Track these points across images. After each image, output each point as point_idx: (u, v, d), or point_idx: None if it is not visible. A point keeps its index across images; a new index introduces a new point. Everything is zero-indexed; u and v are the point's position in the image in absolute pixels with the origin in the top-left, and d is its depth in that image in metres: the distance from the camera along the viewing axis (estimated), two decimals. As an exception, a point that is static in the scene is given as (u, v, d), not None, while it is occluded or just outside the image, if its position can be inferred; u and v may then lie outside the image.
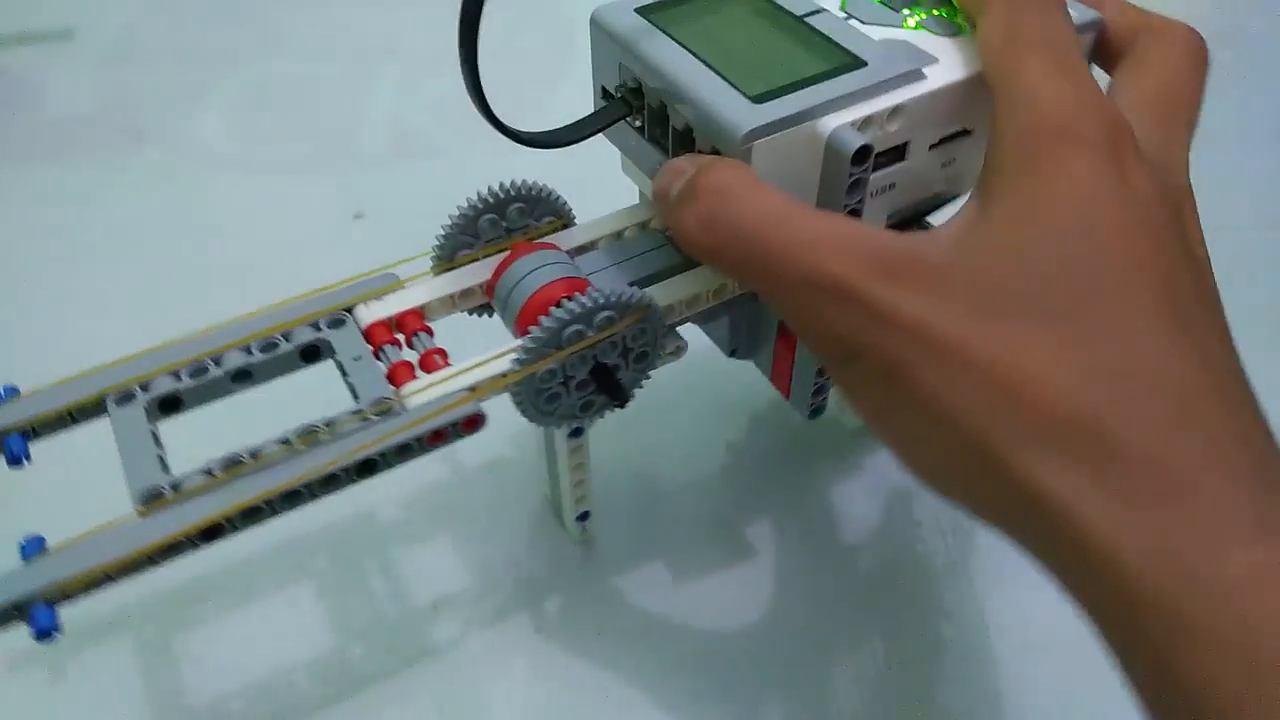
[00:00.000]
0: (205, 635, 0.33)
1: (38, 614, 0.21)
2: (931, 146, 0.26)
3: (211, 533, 0.23)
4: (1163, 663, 0.16)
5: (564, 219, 0.29)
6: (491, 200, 0.28)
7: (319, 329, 0.26)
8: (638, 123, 0.28)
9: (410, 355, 0.26)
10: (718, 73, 0.25)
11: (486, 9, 0.23)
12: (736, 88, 0.24)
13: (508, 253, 0.28)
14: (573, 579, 0.34)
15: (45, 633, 0.21)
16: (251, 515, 0.23)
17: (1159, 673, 0.17)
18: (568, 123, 0.27)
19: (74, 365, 0.41)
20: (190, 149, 0.51)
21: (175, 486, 0.23)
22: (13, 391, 0.25)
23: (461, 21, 0.23)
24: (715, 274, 0.28)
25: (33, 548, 0.22)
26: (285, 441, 0.24)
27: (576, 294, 0.25)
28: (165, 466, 0.23)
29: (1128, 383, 0.18)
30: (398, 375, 0.25)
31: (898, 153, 0.25)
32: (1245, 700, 0.15)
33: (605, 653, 0.32)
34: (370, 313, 0.27)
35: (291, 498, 0.23)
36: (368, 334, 0.26)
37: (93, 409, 0.25)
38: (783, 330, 0.31)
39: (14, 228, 0.47)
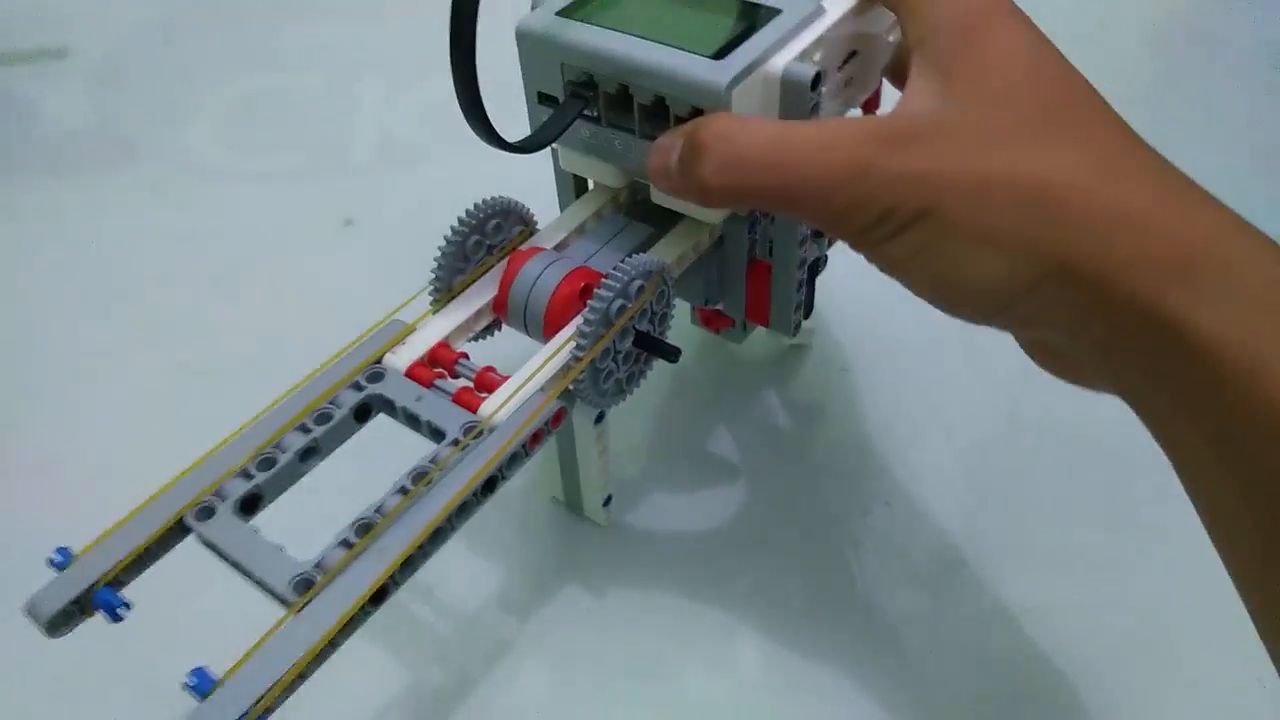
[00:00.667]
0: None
1: None
2: (838, 69, 0.29)
3: (380, 595, 0.23)
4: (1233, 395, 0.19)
5: (530, 225, 0.31)
6: (473, 222, 0.29)
7: (361, 387, 0.27)
8: (593, 113, 0.29)
9: (461, 383, 0.27)
10: (667, 45, 0.27)
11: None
12: (693, 52, 0.26)
13: (500, 268, 0.29)
14: (608, 556, 0.36)
15: None
16: (409, 564, 0.23)
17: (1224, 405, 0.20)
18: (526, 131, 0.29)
19: (73, 374, 0.43)
20: (182, 162, 0.53)
21: (320, 568, 0.23)
22: (66, 554, 0.23)
23: (453, 42, 0.24)
24: (691, 233, 0.31)
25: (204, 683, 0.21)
26: (403, 490, 0.24)
27: (611, 271, 0.27)
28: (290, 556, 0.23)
29: (1128, 173, 0.22)
30: (466, 401, 0.26)
31: (818, 79, 0.28)
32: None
33: (649, 605, 0.34)
34: (400, 359, 0.28)
35: (437, 536, 0.24)
36: (411, 376, 0.27)
37: (174, 534, 0.24)
38: (752, 269, 0.33)
39: (9, 241, 0.49)
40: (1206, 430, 0.20)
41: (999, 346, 0.27)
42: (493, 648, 0.33)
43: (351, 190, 0.51)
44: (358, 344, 0.28)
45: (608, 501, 0.35)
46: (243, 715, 0.20)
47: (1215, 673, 0.33)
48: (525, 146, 0.28)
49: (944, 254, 0.22)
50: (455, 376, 0.28)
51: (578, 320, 0.27)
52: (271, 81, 0.58)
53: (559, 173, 0.33)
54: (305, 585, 0.22)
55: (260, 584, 0.23)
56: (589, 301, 0.27)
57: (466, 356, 0.28)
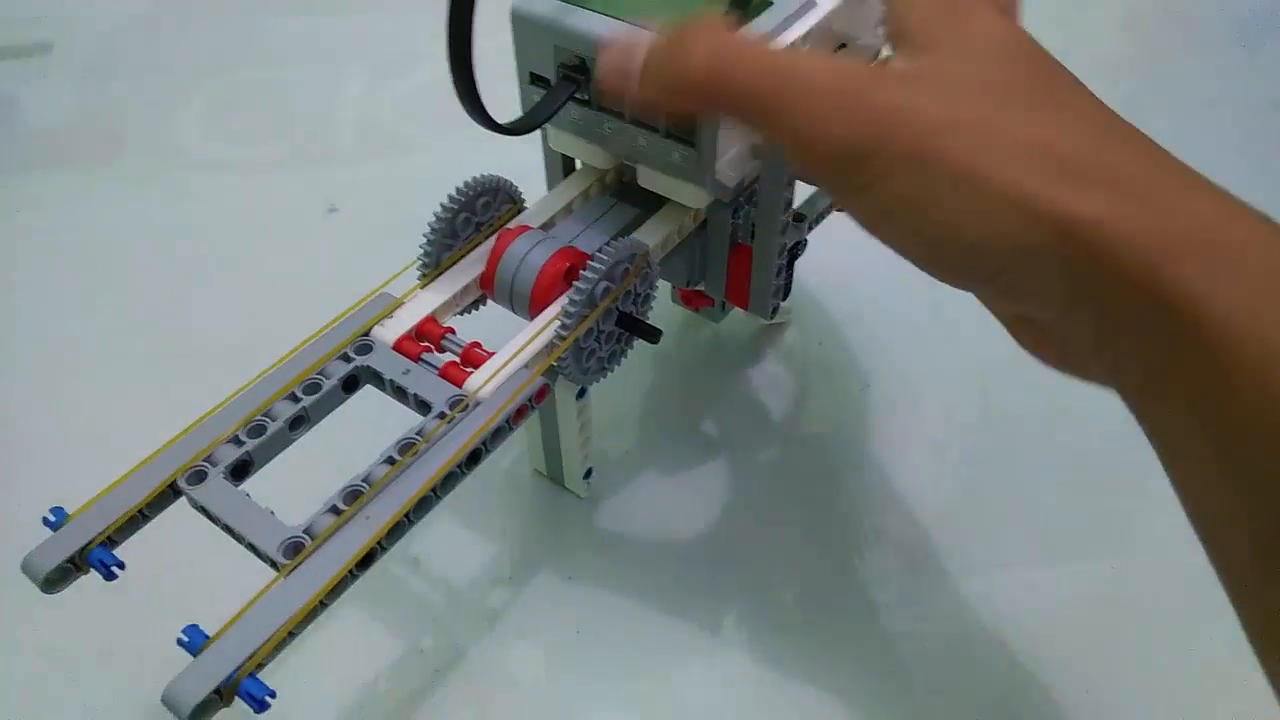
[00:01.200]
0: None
1: (249, 687, 0.21)
2: None
3: (367, 560, 0.23)
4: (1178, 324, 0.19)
5: (518, 203, 0.32)
6: (463, 200, 0.30)
7: (350, 359, 0.28)
8: (584, 96, 0.30)
9: (446, 357, 0.28)
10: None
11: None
12: None
13: (488, 245, 0.30)
14: (585, 528, 0.37)
15: (262, 705, 0.21)
16: (395, 531, 0.24)
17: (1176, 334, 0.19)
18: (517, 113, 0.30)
19: (59, 363, 0.44)
20: (168, 154, 0.54)
21: (309, 533, 0.23)
22: (61, 514, 0.24)
23: (450, 23, 0.25)
24: (676, 216, 0.32)
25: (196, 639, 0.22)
26: (390, 460, 0.25)
27: (596, 253, 0.28)
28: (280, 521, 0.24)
29: (1123, 147, 0.21)
30: (452, 375, 0.27)
31: None
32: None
33: (632, 576, 0.35)
34: (389, 332, 0.28)
35: (423, 505, 0.25)
36: (399, 349, 0.28)
37: (166, 497, 0.25)
38: (734, 252, 0.34)
39: None
40: (1208, 426, 0.19)
41: (978, 326, 0.28)
42: (482, 616, 0.34)
43: (335, 179, 0.51)
44: (346, 316, 0.29)
45: (588, 474, 0.36)
46: (234, 670, 0.21)
47: (1203, 662, 0.33)
48: (517, 128, 0.28)
49: (936, 203, 0.21)
50: (442, 351, 0.29)
51: (563, 300, 0.28)
52: (255, 74, 0.59)
53: (548, 152, 0.34)
54: (295, 549, 0.23)
55: (251, 547, 0.24)
56: (575, 283, 0.28)
57: (453, 331, 0.29)
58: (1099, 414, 0.40)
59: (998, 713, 0.32)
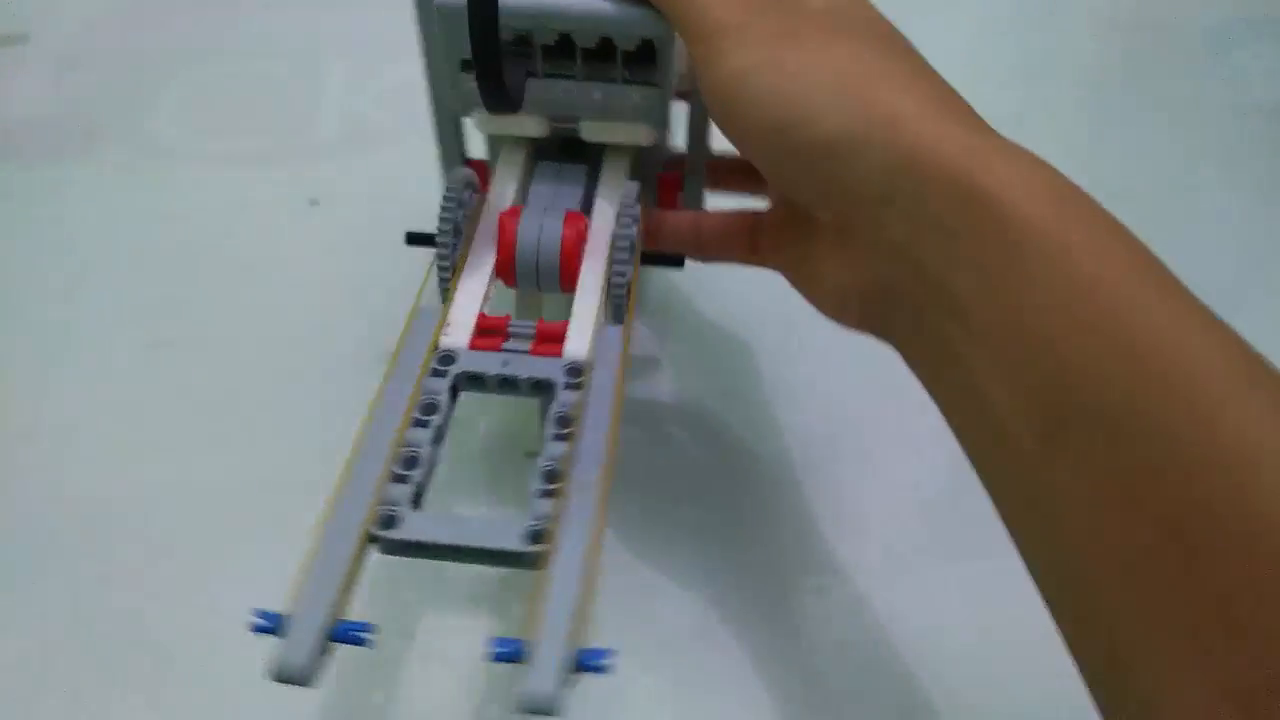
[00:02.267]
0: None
1: (587, 659, 0.21)
2: None
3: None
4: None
5: (479, 190, 0.32)
6: (461, 198, 0.30)
7: (443, 373, 0.27)
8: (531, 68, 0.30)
9: (521, 342, 0.28)
10: None
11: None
12: None
13: (489, 234, 0.30)
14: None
15: (601, 669, 0.21)
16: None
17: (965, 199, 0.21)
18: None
19: (42, 354, 0.44)
20: (147, 145, 0.53)
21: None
22: (273, 617, 0.22)
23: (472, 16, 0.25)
24: (621, 156, 0.33)
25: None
26: (562, 436, 0.25)
27: (625, 205, 0.29)
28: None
29: (922, 70, 0.25)
30: (547, 351, 0.27)
31: None
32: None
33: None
34: (458, 339, 0.28)
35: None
36: (476, 349, 0.28)
37: (364, 551, 0.24)
38: (663, 179, 0.35)
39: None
40: (1004, 309, 0.20)
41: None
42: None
43: (316, 172, 0.51)
44: (404, 339, 0.28)
45: None
46: (572, 655, 0.20)
47: None
48: (516, 104, 0.29)
49: (785, 83, 0.24)
50: (510, 338, 0.28)
51: (596, 256, 0.30)
52: (235, 66, 0.59)
53: (446, 139, 0.34)
54: (537, 535, 0.23)
55: (484, 553, 0.23)
56: (619, 232, 0.29)
57: (509, 317, 0.29)
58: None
59: (979, 699, 0.33)
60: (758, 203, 0.34)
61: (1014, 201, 0.20)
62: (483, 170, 0.35)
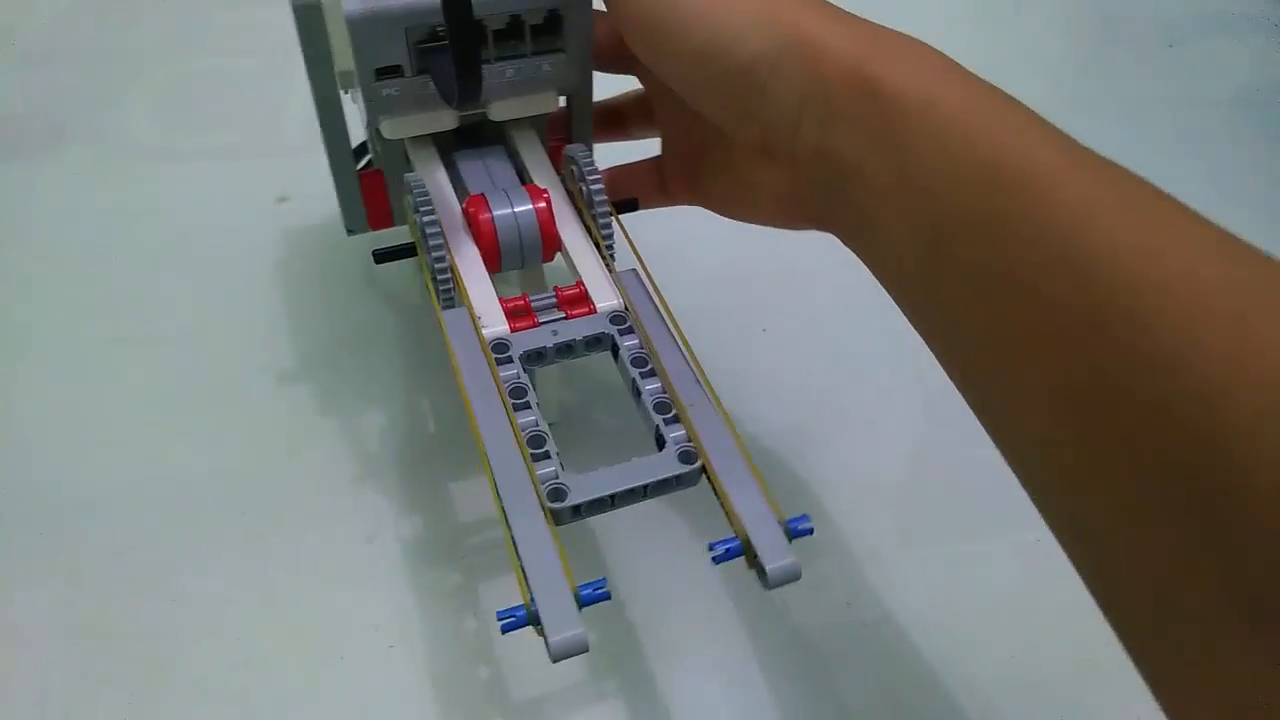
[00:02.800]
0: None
1: (795, 524, 0.25)
2: None
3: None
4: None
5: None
6: (429, 201, 0.30)
7: (509, 361, 0.28)
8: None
9: (552, 311, 0.30)
10: None
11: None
12: None
13: (456, 228, 0.31)
14: None
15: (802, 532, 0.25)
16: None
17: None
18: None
19: (14, 352, 0.44)
20: (115, 142, 0.53)
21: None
22: (518, 611, 0.23)
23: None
24: (531, 126, 0.35)
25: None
26: (647, 373, 0.28)
27: (585, 166, 0.31)
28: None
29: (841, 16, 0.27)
30: (582, 311, 0.30)
31: None
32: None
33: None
34: (497, 329, 0.29)
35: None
36: (518, 329, 0.29)
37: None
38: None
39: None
40: (897, 173, 0.24)
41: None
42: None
43: (285, 168, 0.51)
44: (454, 345, 0.28)
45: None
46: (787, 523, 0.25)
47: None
48: (478, 94, 0.29)
49: (709, 4, 0.26)
50: (538, 311, 0.30)
51: (568, 219, 0.32)
52: (204, 63, 0.59)
53: (335, 149, 0.35)
54: (689, 455, 0.26)
55: (657, 486, 0.26)
56: (592, 187, 0.31)
57: (527, 297, 0.30)
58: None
59: (944, 685, 0.34)
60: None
61: (897, 82, 0.24)
62: (379, 178, 0.36)
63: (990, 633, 0.35)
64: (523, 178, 0.34)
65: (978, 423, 0.26)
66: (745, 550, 0.24)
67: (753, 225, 0.32)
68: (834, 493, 0.39)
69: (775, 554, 0.24)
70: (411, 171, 0.33)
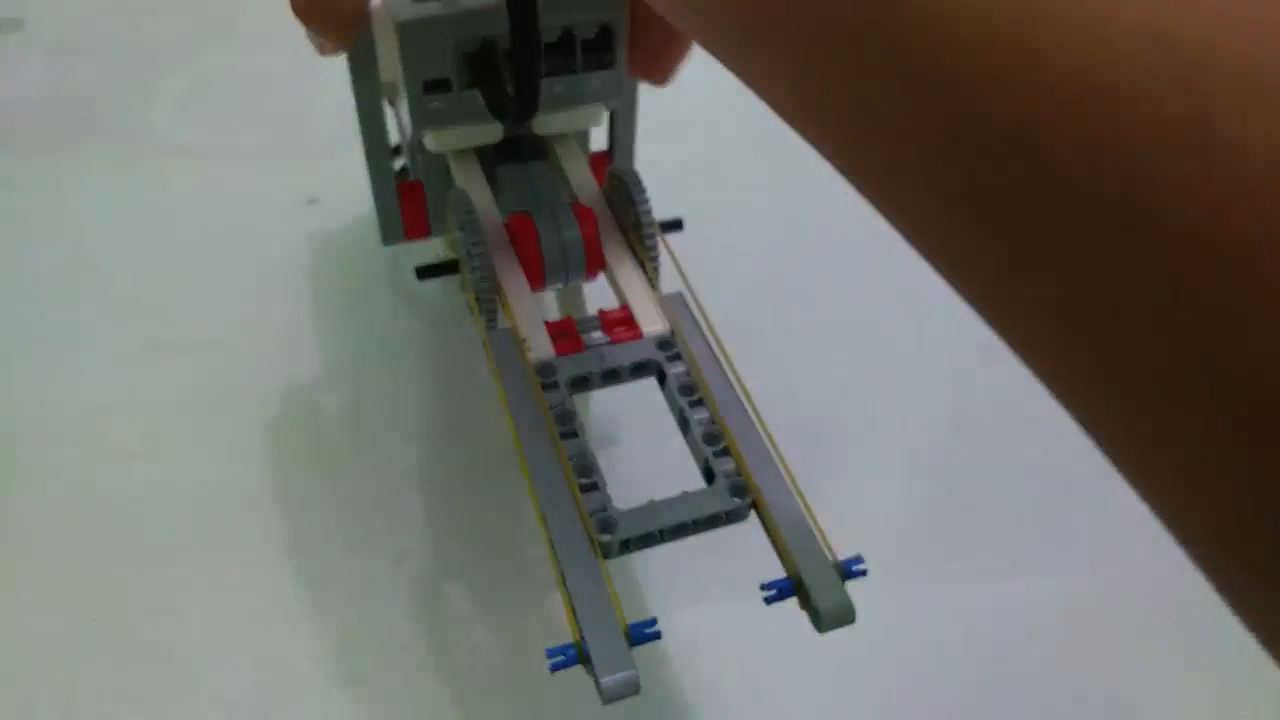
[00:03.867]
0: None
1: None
2: None
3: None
4: None
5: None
6: (477, 220, 0.30)
7: (555, 385, 0.27)
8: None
9: (597, 335, 0.29)
10: None
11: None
12: None
13: (499, 246, 0.30)
14: None
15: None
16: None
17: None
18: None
19: (43, 352, 0.43)
20: (141, 138, 0.53)
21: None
22: (567, 649, 0.22)
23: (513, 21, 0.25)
24: (573, 141, 0.34)
25: None
26: (695, 402, 0.27)
27: (635, 188, 0.30)
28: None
29: None
30: (628, 336, 0.28)
31: None
32: None
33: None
34: (544, 351, 0.28)
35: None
36: (564, 353, 0.28)
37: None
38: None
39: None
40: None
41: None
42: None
43: (315, 169, 0.51)
44: (500, 368, 0.28)
45: None
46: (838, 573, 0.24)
47: (1165, 674, 0.34)
48: (532, 115, 0.29)
49: None
50: (584, 333, 0.29)
51: (611, 237, 0.31)
52: (233, 60, 0.58)
53: (377, 164, 0.34)
54: (738, 489, 0.25)
55: (707, 521, 0.25)
56: (641, 209, 0.30)
57: (572, 319, 0.29)
58: (1068, 426, 0.40)
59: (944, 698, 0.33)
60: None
61: None
62: (418, 188, 0.35)
63: (1020, 670, 0.34)
64: (566, 193, 0.33)
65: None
66: (797, 590, 0.24)
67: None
68: (861, 517, 0.38)
69: (829, 596, 0.23)
70: (453, 185, 0.32)
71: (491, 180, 0.33)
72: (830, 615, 0.23)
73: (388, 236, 0.36)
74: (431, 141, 0.32)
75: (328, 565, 0.36)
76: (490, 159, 0.34)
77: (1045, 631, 0.35)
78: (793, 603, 0.24)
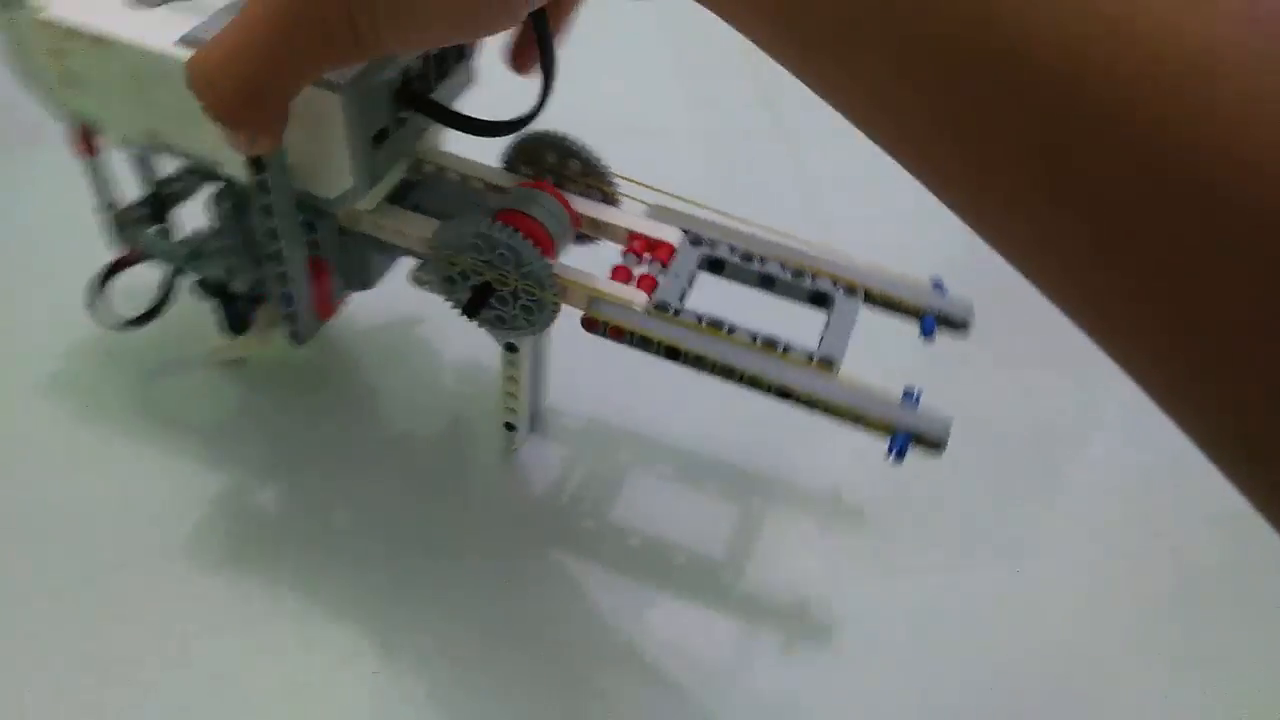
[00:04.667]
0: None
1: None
2: None
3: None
4: None
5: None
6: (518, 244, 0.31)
7: (677, 311, 0.30)
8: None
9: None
10: None
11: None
12: None
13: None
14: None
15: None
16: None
17: None
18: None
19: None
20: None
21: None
22: None
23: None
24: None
25: None
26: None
27: (559, 140, 0.33)
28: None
29: None
30: (660, 250, 0.32)
31: None
32: None
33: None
34: (640, 301, 0.31)
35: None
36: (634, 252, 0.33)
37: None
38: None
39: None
40: None
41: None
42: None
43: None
44: (652, 329, 0.30)
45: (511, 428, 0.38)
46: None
47: (1099, 659, 0.35)
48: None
49: None
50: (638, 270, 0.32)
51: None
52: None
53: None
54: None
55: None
56: (592, 157, 0.33)
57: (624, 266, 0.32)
58: (1011, 425, 0.42)
59: (917, 709, 0.34)
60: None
61: None
62: (323, 264, 0.34)
63: (968, 657, 0.35)
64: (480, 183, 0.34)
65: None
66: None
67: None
68: (813, 511, 0.38)
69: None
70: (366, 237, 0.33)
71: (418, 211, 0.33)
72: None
73: (309, 334, 0.36)
74: (368, 200, 0.32)
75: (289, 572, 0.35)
76: (399, 197, 0.34)
77: (985, 616, 0.36)
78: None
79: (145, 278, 0.38)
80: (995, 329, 0.45)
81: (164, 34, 0.29)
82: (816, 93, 0.20)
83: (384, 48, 0.24)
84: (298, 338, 0.36)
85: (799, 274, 0.31)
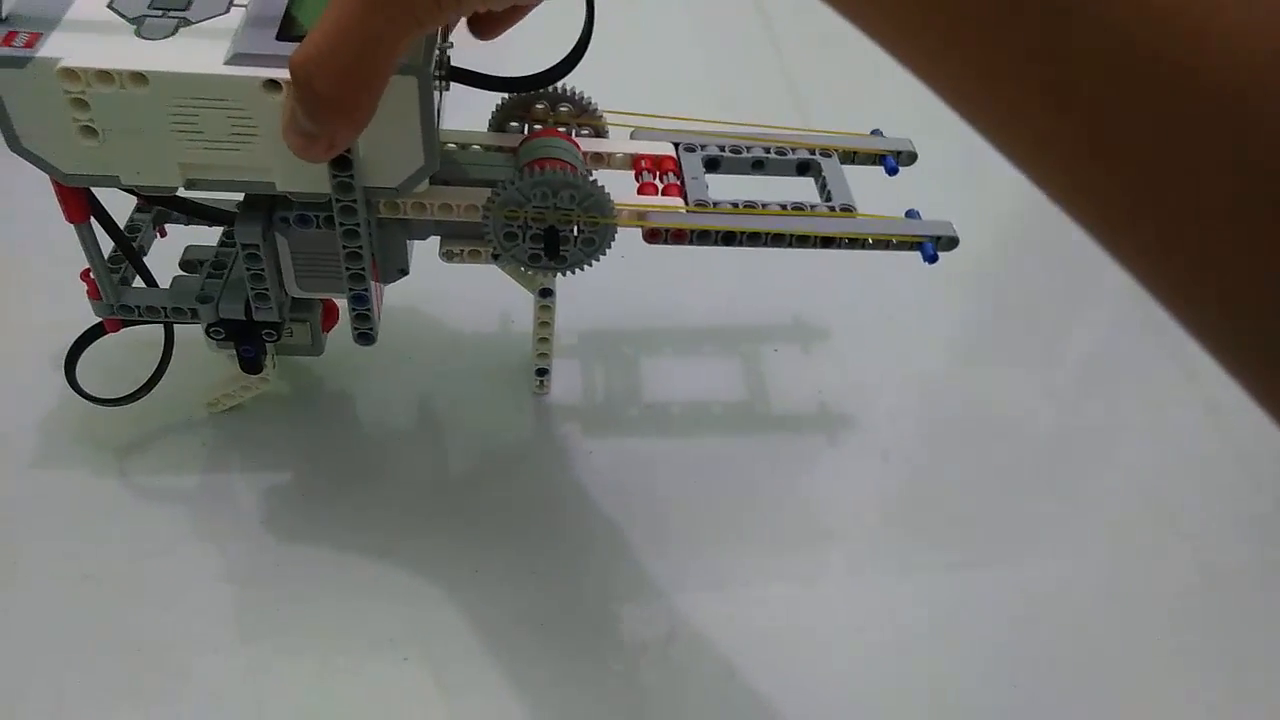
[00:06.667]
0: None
1: None
2: None
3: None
4: None
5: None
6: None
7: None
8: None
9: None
10: None
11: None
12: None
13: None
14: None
15: None
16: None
17: None
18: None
19: None
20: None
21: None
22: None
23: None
24: None
25: None
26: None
27: (585, 102, 0.36)
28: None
29: None
30: (666, 165, 0.36)
31: None
32: None
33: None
34: (679, 203, 0.35)
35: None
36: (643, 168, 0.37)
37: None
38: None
39: None
40: None
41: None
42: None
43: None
44: (717, 222, 0.34)
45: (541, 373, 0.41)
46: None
47: (1123, 661, 0.36)
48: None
49: None
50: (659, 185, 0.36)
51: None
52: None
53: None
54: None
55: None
56: (585, 97, 0.36)
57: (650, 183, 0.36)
58: (1034, 425, 0.42)
59: (932, 707, 0.34)
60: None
61: None
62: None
63: (987, 656, 0.36)
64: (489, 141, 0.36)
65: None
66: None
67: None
68: (838, 511, 0.39)
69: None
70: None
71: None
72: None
73: (374, 331, 0.36)
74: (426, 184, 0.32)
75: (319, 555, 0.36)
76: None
77: (1006, 616, 0.37)
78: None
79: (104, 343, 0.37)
80: (1017, 330, 0.45)
81: (201, 60, 0.28)
82: (898, 58, 0.20)
83: (463, 8, 0.25)
84: (369, 338, 0.36)
85: (782, 152, 0.37)
